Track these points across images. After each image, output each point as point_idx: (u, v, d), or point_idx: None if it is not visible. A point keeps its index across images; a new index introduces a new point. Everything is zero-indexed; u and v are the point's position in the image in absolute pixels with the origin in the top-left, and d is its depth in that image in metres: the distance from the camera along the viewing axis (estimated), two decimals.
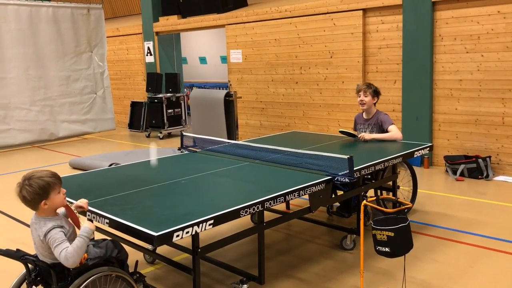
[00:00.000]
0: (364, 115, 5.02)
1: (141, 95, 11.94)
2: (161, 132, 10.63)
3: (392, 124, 4.85)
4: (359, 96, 4.92)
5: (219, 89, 11.64)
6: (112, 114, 11.18)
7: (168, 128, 10.72)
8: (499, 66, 6.37)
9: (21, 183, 2.52)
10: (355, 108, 7.88)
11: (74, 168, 7.58)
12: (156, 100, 10.74)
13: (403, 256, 3.23)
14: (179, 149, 4.89)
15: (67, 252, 2.45)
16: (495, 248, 4.10)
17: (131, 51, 12.39)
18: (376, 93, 4.88)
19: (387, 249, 3.15)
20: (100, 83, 10.92)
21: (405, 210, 3.28)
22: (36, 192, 2.49)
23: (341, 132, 5.05)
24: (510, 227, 4.57)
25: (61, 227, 2.56)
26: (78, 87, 10.50)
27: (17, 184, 2.56)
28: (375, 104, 4.95)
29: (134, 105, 11.76)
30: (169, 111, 10.75)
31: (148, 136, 10.88)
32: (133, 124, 11.74)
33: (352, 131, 5.04)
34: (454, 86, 6.82)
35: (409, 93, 7.16)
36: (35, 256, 2.62)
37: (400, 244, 3.14)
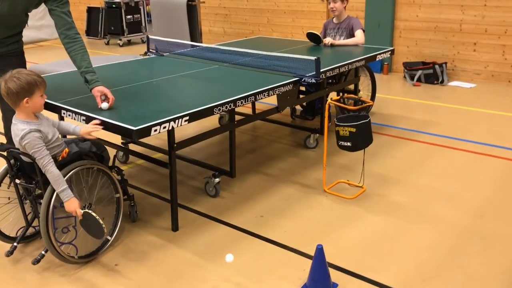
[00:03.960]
0: (335, 20, 5.08)
1: (98, 0, 11.38)
2: (120, 39, 10.33)
3: (360, 29, 4.93)
4: (329, 4, 4.94)
5: None
6: None
7: (128, 35, 10.41)
8: None
9: (6, 77, 2.48)
10: (319, 15, 7.88)
11: None
12: (114, 5, 10.30)
13: (363, 151, 3.50)
14: (145, 53, 4.85)
15: (48, 168, 2.49)
16: (445, 145, 4.47)
17: None
18: None
19: (348, 144, 3.41)
20: None
21: (367, 109, 3.51)
22: (22, 86, 2.46)
23: (308, 34, 5.10)
24: (460, 126, 4.95)
25: (38, 131, 2.52)
26: None
27: (1, 78, 2.51)
28: (345, 7, 4.98)
29: (91, 11, 11.24)
30: (128, 17, 10.37)
31: (108, 44, 10.57)
32: (91, 31, 11.30)
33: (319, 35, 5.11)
34: None
35: None
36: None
37: (361, 138, 3.39)
